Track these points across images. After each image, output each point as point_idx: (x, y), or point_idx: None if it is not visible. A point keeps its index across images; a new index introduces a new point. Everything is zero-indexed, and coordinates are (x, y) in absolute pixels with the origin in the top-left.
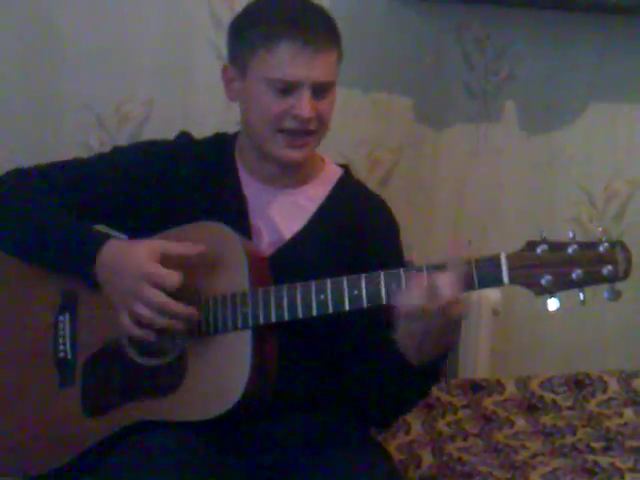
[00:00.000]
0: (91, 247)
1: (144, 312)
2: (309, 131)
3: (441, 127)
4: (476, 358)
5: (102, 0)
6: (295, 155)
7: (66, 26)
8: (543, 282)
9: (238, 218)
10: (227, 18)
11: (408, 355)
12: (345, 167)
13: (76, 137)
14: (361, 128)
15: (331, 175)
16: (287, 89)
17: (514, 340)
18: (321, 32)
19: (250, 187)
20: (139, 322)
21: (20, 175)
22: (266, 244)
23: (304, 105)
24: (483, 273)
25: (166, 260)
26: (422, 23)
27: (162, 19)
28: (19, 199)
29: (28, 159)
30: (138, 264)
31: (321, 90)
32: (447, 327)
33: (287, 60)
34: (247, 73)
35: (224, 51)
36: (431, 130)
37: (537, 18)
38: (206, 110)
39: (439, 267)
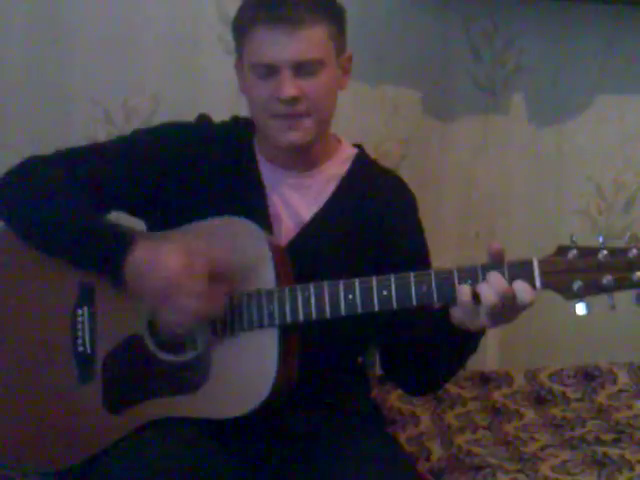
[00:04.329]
0: (120, 249)
1: (174, 319)
2: (299, 113)
3: (449, 119)
4: (485, 350)
5: None
6: (292, 137)
7: (73, 21)
8: (574, 287)
9: (257, 205)
10: (234, 12)
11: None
12: (360, 147)
13: (84, 131)
14: (369, 121)
15: (347, 155)
16: (268, 73)
17: (523, 332)
18: (298, 8)
19: (268, 172)
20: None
21: (42, 163)
22: (286, 229)
23: (283, 86)
24: (516, 278)
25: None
26: (429, 16)
27: (169, 13)
28: (43, 190)
29: (35, 153)
30: (168, 271)
31: (306, 69)
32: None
33: (262, 42)
34: (243, 63)
35: (232, 45)
36: (439, 123)
37: (544, 9)
38: (213, 104)
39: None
